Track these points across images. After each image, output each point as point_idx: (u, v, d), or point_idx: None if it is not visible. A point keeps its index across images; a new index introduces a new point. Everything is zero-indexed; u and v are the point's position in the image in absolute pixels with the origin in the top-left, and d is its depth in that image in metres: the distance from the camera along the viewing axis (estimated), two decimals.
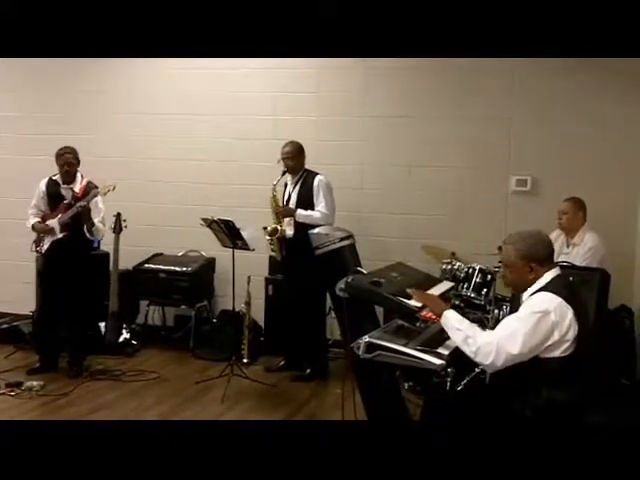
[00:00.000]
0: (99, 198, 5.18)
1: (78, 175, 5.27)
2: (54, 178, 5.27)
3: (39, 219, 5.24)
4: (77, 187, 5.22)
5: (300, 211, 5.30)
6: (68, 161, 5.17)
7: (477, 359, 2.81)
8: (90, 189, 5.17)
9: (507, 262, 2.98)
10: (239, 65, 6.18)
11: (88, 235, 5.19)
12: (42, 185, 5.30)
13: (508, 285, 3.14)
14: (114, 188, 5.14)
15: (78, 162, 5.25)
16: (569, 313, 2.79)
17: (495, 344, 2.76)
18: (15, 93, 6.79)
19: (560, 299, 2.80)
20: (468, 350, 2.83)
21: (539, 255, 2.92)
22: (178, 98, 6.44)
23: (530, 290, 2.92)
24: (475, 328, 2.90)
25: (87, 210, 5.09)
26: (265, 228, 5.37)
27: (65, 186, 5.21)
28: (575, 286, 3.10)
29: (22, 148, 6.64)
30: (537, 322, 2.76)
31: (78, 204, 5.07)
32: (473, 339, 2.82)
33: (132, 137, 6.55)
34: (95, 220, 5.16)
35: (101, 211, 5.23)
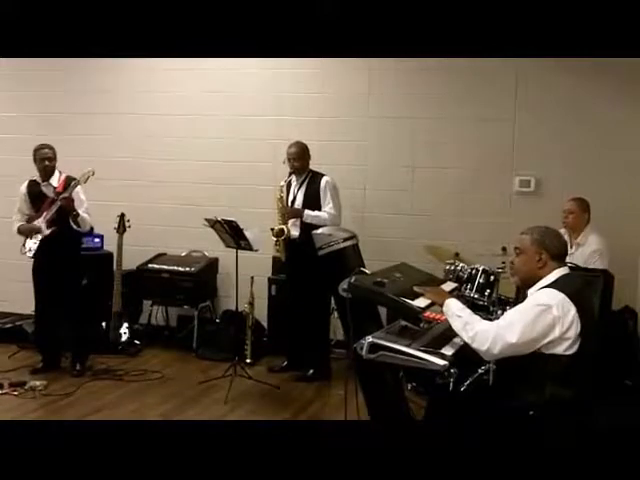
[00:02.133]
0: (80, 189, 5.19)
1: (56, 172, 5.28)
2: (33, 179, 5.30)
3: (24, 222, 5.26)
4: (56, 182, 5.24)
5: (308, 212, 5.29)
6: (47, 156, 5.20)
7: (474, 345, 2.83)
8: (69, 182, 5.17)
9: (520, 248, 3.01)
10: (242, 65, 6.18)
11: (75, 227, 5.20)
12: (23, 188, 5.33)
13: (515, 273, 3.14)
14: (93, 173, 5.13)
15: (56, 159, 5.27)
16: (572, 310, 2.78)
17: (493, 331, 2.79)
18: (15, 93, 6.80)
19: (563, 295, 2.80)
20: (466, 336, 2.86)
21: (552, 248, 2.94)
22: (181, 98, 6.44)
23: (536, 286, 2.93)
24: (476, 316, 2.93)
25: (70, 201, 5.10)
26: (272, 229, 5.36)
27: (45, 183, 5.23)
28: (582, 286, 3.10)
29: (23, 148, 6.59)
30: (538, 315, 2.77)
31: (60, 197, 5.09)
32: (472, 325, 2.86)
33: (135, 137, 6.56)
34: (79, 211, 5.17)
35: (83, 202, 5.25)
